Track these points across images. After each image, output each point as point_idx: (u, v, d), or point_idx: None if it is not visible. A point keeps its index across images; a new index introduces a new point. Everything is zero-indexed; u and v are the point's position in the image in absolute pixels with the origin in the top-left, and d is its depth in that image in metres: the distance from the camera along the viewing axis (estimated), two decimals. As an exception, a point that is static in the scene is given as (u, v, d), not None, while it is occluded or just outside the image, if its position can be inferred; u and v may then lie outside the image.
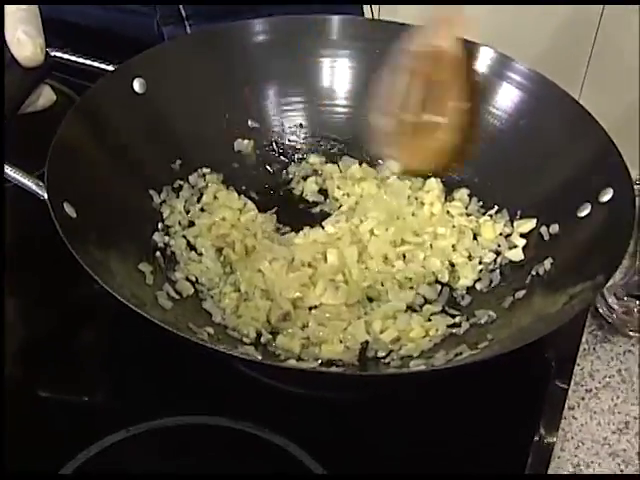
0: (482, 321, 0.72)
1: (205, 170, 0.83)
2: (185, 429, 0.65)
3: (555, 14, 1.88)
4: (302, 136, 0.87)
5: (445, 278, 0.78)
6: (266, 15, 0.87)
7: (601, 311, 0.77)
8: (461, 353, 0.66)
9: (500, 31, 1.24)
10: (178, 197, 0.80)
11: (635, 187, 0.70)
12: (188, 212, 0.80)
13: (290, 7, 0.93)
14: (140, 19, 1.01)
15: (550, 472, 0.65)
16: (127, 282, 0.67)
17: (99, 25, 1.03)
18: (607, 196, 0.71)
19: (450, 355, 0.67)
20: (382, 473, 0.64)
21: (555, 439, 0.66)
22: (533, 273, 0.73)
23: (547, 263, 0.73)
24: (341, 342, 0.71)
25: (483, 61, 0.83)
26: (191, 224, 0.79)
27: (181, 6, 0.99)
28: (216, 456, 0.64)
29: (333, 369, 0.68)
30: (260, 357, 0.67)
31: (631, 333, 0.76)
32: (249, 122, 0.86)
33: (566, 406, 0.69)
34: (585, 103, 0.77)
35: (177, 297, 0.72)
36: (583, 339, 0.75)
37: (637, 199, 0.70)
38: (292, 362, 0.68)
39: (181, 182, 0.81)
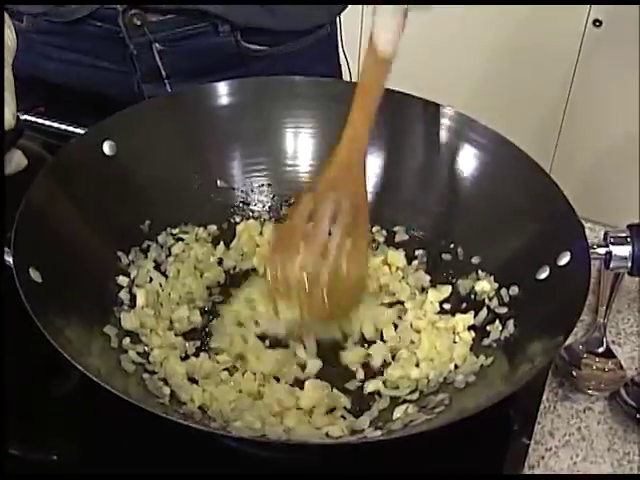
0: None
1: (174, 230, 0.84)
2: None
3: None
4: (271, 196, 0.88)
5: None
6: (247, 74, 0.90)
7: (561, 369, 0.78)
8: (416, 419, 0.67)
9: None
10: (146, 257, 0.81)
11: (591, 252, 0.72)
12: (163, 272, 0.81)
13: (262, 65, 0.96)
14: (120, 78, 1.03)
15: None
16: (90, 347, 0.68)
17: (79, 84, 1.05)
18: (565, 260, 0.73)
19: (406, 420, 0.67)
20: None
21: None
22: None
23: (510, 324, 0.74)
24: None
25: (443, 121, 0.84)
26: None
27: (160, 65, 1.01)
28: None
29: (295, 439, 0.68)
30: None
31: (591, 391, 0.77)
32: (218, 182, 0.87)
33: (526, 465, 0.70)
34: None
35: (140, 360, 0.72)
36: (544, 397, 0.76)
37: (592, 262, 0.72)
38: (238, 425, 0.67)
39: (149, 242, 0.82)
